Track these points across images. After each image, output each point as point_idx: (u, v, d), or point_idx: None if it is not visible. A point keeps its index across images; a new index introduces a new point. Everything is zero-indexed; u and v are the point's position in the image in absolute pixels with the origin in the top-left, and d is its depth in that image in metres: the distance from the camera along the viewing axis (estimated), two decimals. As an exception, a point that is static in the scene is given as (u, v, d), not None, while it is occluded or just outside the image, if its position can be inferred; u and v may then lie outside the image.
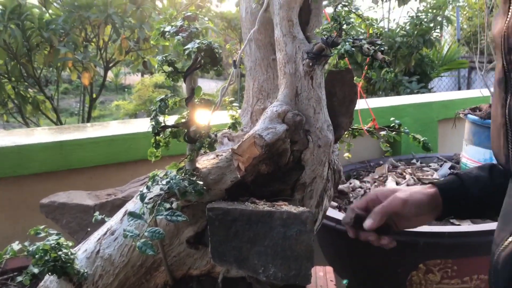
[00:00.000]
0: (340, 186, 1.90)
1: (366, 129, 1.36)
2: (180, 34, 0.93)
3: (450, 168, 2.09)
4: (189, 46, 0.90)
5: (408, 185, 1.85)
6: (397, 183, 1.88)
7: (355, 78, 1.13)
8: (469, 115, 1.96)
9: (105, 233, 1.02)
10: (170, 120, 0.97)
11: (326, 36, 0.94)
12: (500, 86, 0.80)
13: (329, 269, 1.40)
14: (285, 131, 0.95)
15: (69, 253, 0.95)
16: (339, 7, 0.96)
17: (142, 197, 0.92)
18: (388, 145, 1.35)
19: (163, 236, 0.86)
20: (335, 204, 1.77)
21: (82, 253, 1.02)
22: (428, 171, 2.08)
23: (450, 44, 6.39)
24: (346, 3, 0.96)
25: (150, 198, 0.92)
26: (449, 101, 2.82)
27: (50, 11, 3.29)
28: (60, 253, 0.93)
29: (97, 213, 1.09)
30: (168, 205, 0.89)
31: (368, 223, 0.98)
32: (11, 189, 1.57)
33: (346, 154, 1.36)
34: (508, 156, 0.80)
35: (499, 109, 0.80)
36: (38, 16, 3.10)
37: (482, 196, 0.97)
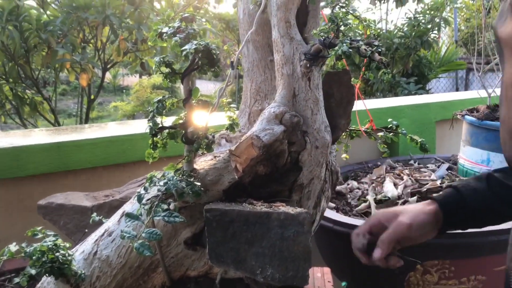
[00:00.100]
0: (338, 187, 1.90)
1: (363, 130, 1.36)
2: (177, 35, 0.93)
3: (447, 169, 2.10)
4: (186, 47, 0.90)
5: (405, 186, 1.85)
6: (395, 184, 1.88)
7: (352, 79, 1.14)
8: (467, 116, 1.96)
9: (103, 234, 1.02)
10: (167, 121, 0.97)
11: (323, 37, 0.94)
12: None
13: (327, 270, 1.40)
14: (282, 132, 0.95)
15: (67, 254, 0.95)
16: (337, 8, 0.96)
17: (140, 198, 0.92)
18: (386, 146, 1.35)
19: (161, 237, 0.86)
20: (332, 205, 1.78)
21: (79, 254, 1.02)
22: (425, 172, 2.08)
23: (448, 45, 6.41)
24: (344, 5, 0.96)
25: (148, 199, 0.92)
26: (447, 102, 2.83)
27: (48, 12, 3.28)
28: (57, 254, 0.93)
29: (94, 214, 1.09)
30: (165, 206, 0.89)
31: (377, 254, 0.97)
32: (9, 191, 1.57)
33: (344, 155, 1.36)
34: None
35: (511, 111, 0.79)
36: (36, 18, 3.09)
37: (482, 207, 0.98)
